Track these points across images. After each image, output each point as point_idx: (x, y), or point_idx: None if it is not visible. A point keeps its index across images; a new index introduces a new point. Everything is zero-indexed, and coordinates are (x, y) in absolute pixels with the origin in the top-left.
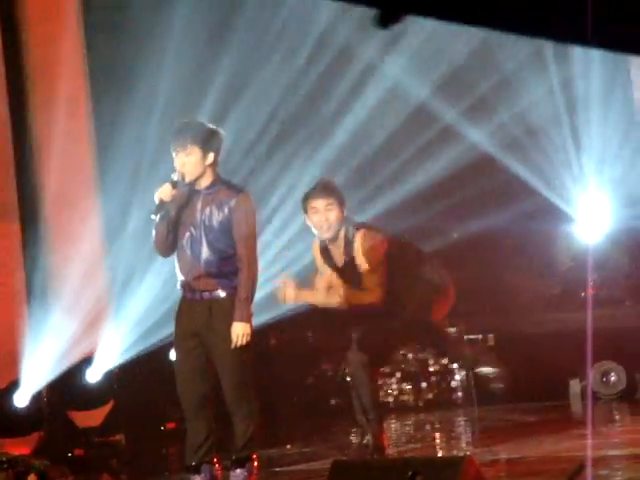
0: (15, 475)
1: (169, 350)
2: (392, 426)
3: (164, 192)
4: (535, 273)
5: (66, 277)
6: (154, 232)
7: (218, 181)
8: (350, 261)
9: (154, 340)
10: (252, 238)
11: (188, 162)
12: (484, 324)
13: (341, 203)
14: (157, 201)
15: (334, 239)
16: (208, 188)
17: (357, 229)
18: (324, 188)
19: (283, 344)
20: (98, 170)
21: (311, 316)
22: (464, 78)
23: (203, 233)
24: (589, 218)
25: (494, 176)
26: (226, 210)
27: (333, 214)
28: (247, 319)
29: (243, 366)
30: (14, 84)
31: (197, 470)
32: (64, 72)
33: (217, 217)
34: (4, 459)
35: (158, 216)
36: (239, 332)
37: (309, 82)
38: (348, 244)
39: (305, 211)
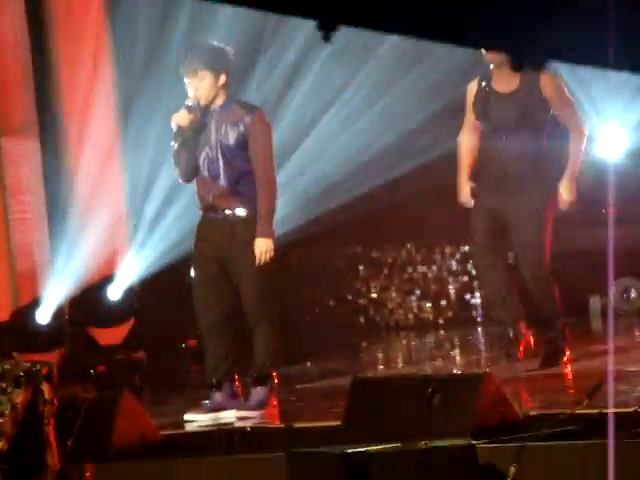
0: (32, 387)
1: (190, 267)
2: (412, 344)
3: (181, 118)
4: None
5: (87, 195)
6: (175, 159)
7: (232, 100)
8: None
9: (176, 256)
10: (269, 155)
11: (201, 87)
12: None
13: None
14: (175, 127)
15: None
16: (222, 107)
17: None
18: None
19: (304, 261)
20: (118, 89)
21: (335, 232)
22: None
23: (220, 152)
24: (608, 136)
25: None
26: (241, 127)
27: None
28: (269, 235)
29: (264, 285)
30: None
31: (218, 387)
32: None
33: (233, 135)
34: (21, 373)
35: (177, 143)
36: (262, 248)
37: None
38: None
39: None
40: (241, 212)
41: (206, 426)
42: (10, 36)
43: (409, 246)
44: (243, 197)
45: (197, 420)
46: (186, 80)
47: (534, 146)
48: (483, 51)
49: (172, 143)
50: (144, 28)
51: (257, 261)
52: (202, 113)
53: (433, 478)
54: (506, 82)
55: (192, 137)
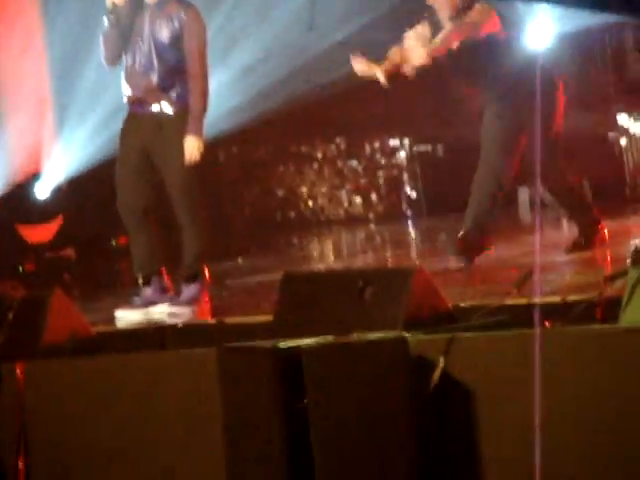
0: None
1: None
2: (343, 239)
3: None
4: (481, 83)
5: (12, 91)
6: (104, 40)
7: None
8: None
9: (105, 154)
10: (203, 52)
11: None
12: (433, 135)
13: None
14: (109, 3)
15: None
16: (157, 2)
17: None
18: None
19: (233, 157)
20: None
21: (262, 130)
22: None
23: (153, 46)
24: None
25: None
26: (176, 23)
27: None
28: (200, 133)
29: (192, 181)
30: None
31: (147, 282)
32: None
33: (167, 30)
34: None
35: (109, 22)
36: (193, 146)
37: None
38: None
39: None
40: (169, 109)
41: (137, 323)
42: None
43: (338, 140)
44: (172, 94)
45: (128, 317)
46: None
47: None
48: None
49: (104, 19)
50: None
51: (187, 159)
52: (135, 3)
53: (365, 370)
54: None
55: (124, 19)
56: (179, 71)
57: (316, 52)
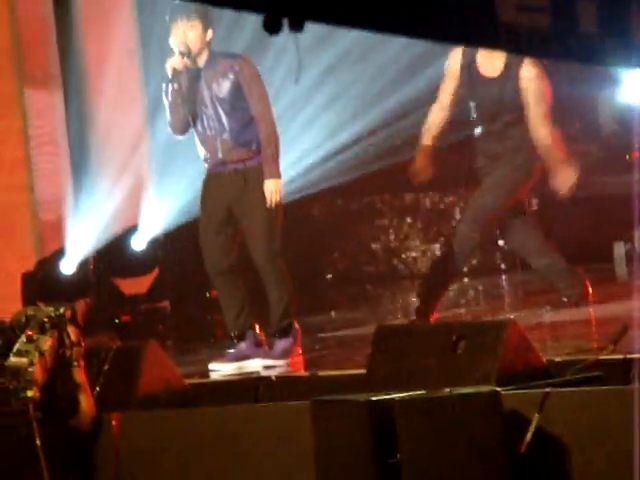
0: (58, 331)
1: None
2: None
3: (176, 61)
4: (578, 137)
5: (110, 145)
6: (167, 106)
7: (214, 54)
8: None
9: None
10: (265, 96)
11: (190, 35)
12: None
13: None
14: (170, 71)
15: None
16: (207, 63)
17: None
18: None
19: (327, 211)
20: (141, 43)
21: (357, 182)
22: None
23: (218, 107)
24: (635, 78)
25: None
26: (232, 76)
27: None
28: (277, 175)
29: (276, 234)
30: None
31: (241, 337)
32: None
33: (226, 86)
34: (45, 319)
35: (172, 89)
36: (272, 188)
37: None
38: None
39: None
40: (253, 163)
41: (231, 375)
42: None
43: (432, 194)
44: (250, 145)
45: (222, 369)
46: (173, 27)
47: (513, 130)
48: None
49: (163, 85)
50: None
51: (268, 202)
52: (191, 71)
53: (458, 425)
54: (490, 65)
55: (186, 83)
56: (249, 122)
57: (407, 106)
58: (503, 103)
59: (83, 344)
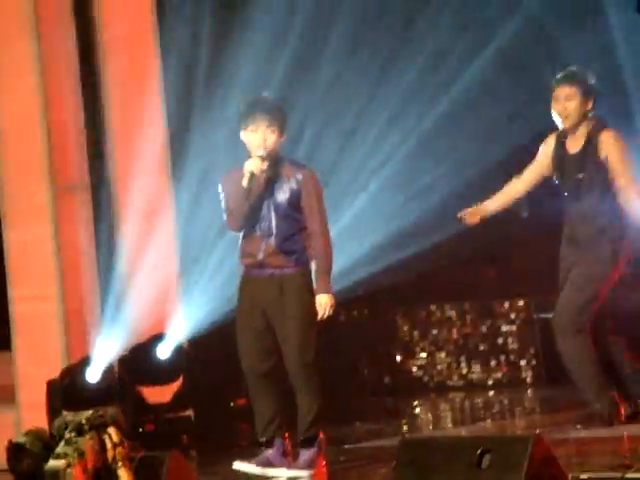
0: (97, 432)
1: None
2: (461, 405)
3: (255, 165)
4: None
5: (137, 253)
6: (235, 208)
7: (280, 158)
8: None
9: (224, 315)
10: (323, 211)
11: (270, 138)
12: (555, 302)
13: (584, 93)
14: (248, 174)
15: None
16: (272, 166)
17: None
18: (566, 75)
19: (352, 321)
20: (171, 151)
21: (381, 293)
22: None
23: (272, 210)
24: None
25: None
26: (294, 185)
27: (573, 103)
28: (330, 290)
29: (310, 344)
30: (87, 68)
31: (269, 444)
32: (137, 52)
33: (285, 193)
34: (83, 421)
35: (246, 189)
36: (326, 303)
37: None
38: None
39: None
40: (290, 270)
41: (254, 476)
42: (66, 96)
43: (457, 306)
44: (292, 254)
45: (246, 470)
46: (252, 127)
47: (602, 207)
48: (556, 116)
49: (244, 184)
50: (198, 98)
51: (319, 316)
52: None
53: None
54: (574, 142)
55: (258, 187)
56: (298, 232)
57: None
58: (585, 179)
59: (127, 444)
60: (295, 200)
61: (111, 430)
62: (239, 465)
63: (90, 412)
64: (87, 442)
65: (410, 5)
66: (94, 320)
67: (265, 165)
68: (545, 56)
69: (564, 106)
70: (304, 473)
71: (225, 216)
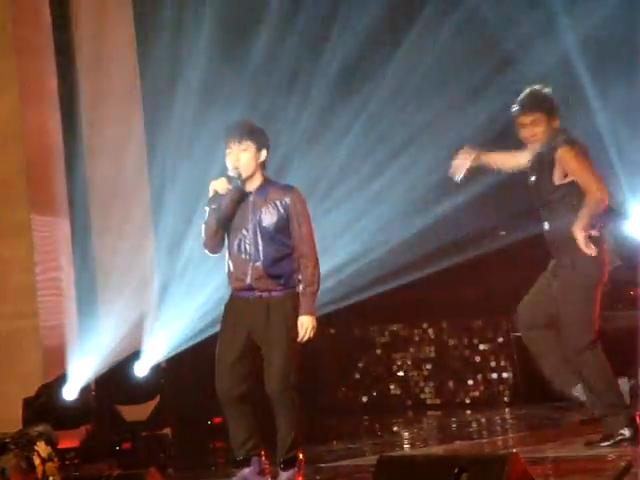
0: (22, 451)
1: (216, 344)
2: (438, 423)
3: (220, 185)
4: None
5: (114, 271)
6: (204, 226)
7: (267, 182)
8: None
9: (202, 335)
10: (311, 233)
11: (243, 157)
12: None
13: (549, 113)
14: (211, 192)
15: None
16: (258, 190)
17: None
18: (528, 101)
19: (329, 339)
20: (147, 161)
21: (357, 311)
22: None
23: (259, 235)
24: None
25: None
26: (281, 209)
27: (541, 127)
28: (313, 313)
29: (293, 368)
30: (66, 77)
31: (246, 463)
32: (115, 66)
33: (273, 217)
34: (7, 439)
35: (209, 209)
36: (307, 325)
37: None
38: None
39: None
40: (277, 294)
41: None
42: (43, 113)
43: (435, 323)
44: (280, 278)
45: None
46: (227, 151)
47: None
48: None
49: (206, 208)
50: (179, 108)
51: (300, 338)
52: (237, 192)
53: None
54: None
55: (225, 208)
56: (285, 255)
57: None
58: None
59: (56, 460)
60: (283, 224)
61: (39, 447)
62: None
63: (15, 431)
64: (10, 460)
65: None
66: (71, 338)
67: (232, 188)
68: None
69: (533, 132)
70: None
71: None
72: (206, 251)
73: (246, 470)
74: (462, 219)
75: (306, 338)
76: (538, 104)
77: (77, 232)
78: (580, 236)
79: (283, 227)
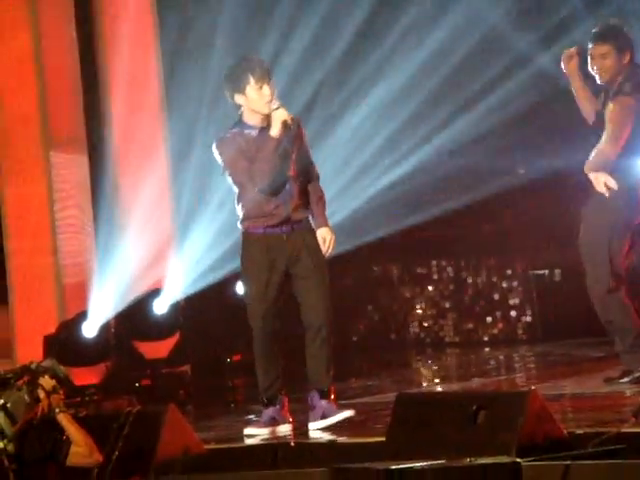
0: (26, 385)
1: (235, 282)
2: (457, 361)
3: (286, 114)
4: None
5: (133, 209)
6: (263, 164)
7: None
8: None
9: (221, 272)
10: (310, 153)
11: (275, 93)
12: (550, 259)
13: (619, 49)
14: (280, 124)
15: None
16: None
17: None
18: (600, 32)
19: (349, 276)
20: (164, 103)
21: (380, 247)
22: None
23: (284, 166)
24: None
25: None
26: (292, 139)
27: (609, 61)
28: (329, 224)
29: (328, 294)
30: (82, 24)
31: (271, 402)
32: (130, 7)
33: (289, 150)
34: (9, 375)
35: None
36: (330, 236)
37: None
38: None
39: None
40: (307, 226)
41: (264, 440)
42: (61, 54)
43: (454, 263)
44: (308, 204)
45: (258, 433)
46: (259, 87)
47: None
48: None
49: (274, 134)
50: (193, 43)
51: (325, 249)
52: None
53: None
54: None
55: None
56: (304, 179)
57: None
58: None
59: (61, 392)
60: (291, 151)
61: (42, 380)
62: (250, 431)
63: (17, 366)
64: (13, 394)
65: None
66: (90, 274)
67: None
68: None
69: (601, 63)
70: (335, 419)
71: (249, 180)
72: (262, 192)
73: (270, 409)
74: (480, 156)
75: (330, 250)
76: (608, 37)
77: (96, 170)
78: (591, 176)
79: (291, 153)
